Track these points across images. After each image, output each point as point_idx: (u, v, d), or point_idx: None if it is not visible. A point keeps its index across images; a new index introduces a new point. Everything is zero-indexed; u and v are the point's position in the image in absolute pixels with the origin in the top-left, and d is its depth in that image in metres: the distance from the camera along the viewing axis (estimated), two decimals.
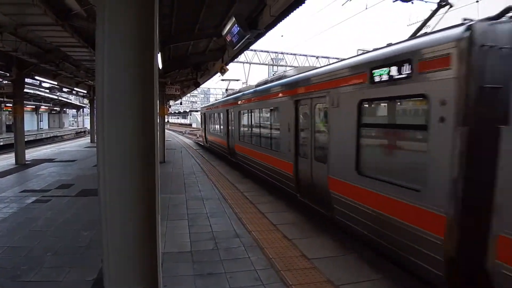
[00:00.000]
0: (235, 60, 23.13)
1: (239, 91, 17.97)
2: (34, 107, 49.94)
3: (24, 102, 20.14)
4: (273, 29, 10.97)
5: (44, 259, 5.65)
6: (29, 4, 8.12)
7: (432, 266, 4.63)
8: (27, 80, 20.71)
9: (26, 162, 16.86)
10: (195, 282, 4.92)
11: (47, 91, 36.50)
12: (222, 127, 20.35)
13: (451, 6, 6.32)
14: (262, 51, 34.63)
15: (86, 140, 35.44)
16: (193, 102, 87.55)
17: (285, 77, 11.02)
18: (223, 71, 16.68)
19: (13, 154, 17.38)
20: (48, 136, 46.69)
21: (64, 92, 35.17)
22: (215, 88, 71.49)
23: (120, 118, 2.63)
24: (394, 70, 5.43)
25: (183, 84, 29.21)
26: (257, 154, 12.95)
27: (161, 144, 17.75)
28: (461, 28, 4.48)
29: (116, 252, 2.70)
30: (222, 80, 32.88)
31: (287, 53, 35.86)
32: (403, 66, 5.25)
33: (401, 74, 5.29)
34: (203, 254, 5.94)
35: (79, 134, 59.17)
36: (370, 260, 5.63)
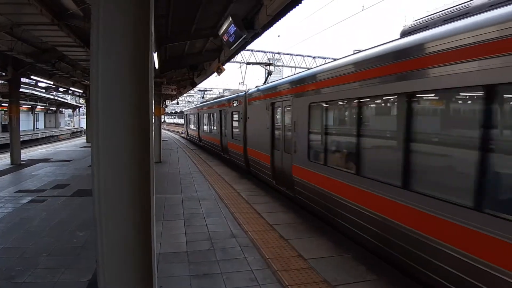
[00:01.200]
0: (232, 60, 23.37)
1: (206, 101, 31.12)
2: (30, 107, 49.75)
3: (20, 101, 20.07)
4: (270, 29, 10.96)
5: (39, 260, 5.63)
6: (25, 3, 8.08)
7: (220, 150, 20.54)
8: (23, 79, 20.58)
9: (22, 162, 16.80)
10: (191, 282, 4.90)
11: (43, 90, 36.33)
12: (195, 124, 31.34)
13: (271, 74, 18.51)
14: (259, 51, 34.65)
15: (82, 140, 35.33)
16: (190, 102, 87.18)
17: (221, 97, 22.59)
18: (219, 71, 16.62)
19: (8, 154, 17.32)
20: (44, 136, 46.59)
21: (60, 91, 35.00)
22: (211, 88, 71.44)
23: (114, 117, 2.61)
24: (236, 102, 16.22)
25: (180, 84, 29.17)
26: (210, 138, 23.88)
27: (157, 144, 17.72)
28: (244, 92, 15.65)
29: (110, 253, 2.68)
30: (200, 90, 42.74)
31: (284, 53, 35.79)
32: (236, 101, 16.15)
33: (236, 103, 16.14)
34: (199, 255, 5.93)
35: (75, 134, 59.05)
36: (366, 260, 5.63)
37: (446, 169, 4.82)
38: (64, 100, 57.77)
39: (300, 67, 36.11)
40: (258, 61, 34.80)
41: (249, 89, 15.46)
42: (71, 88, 28.04)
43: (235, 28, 10.02)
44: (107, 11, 2.57)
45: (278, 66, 39.26)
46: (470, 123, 4.45)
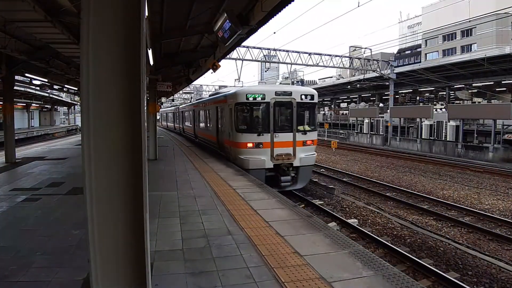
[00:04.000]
0: (227, 56, 23.33)
1: (168, 107, 63.56)
2: (24, 104, 49.52)
3: (15, 99, 19.91)
4: (265, 25, 10.91)
5: (34, 259, 5.59)
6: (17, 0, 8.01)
7: (173, 129, 47.86)
8: (18, 77, 20.42)
9: (17, 160, 16.70)
10: (187, 280, 4.88)
11: (38, 88, 36.15)
12: (166, 119, 57.38)
13: (192, 99, 58.82)
14: (254, 47, 34.41)
15: (77, 137, 35.19)
16: (186, 99, 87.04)
17: (173, 106, 54.80)
18: (215, 67, 16.53)
19: (3, 153, 17.20)
20: (39, 134, 46.32)
21: (55, 89, 34.85)
22: (207, 85, 71.39)
23: (106, 115, 2.57)
24: (175, 110, 44.40)
25: (175, 81, 29.07)
26: (171, 125, 49.54)
27: (152, 141, 17.66)
28: (178, 105, 48.18)
29: (103, 251, 2.65)
30: (173, 99, 66.59)
31: (279, 50, 35.59)
32: (176, 109, 44.81)
33: (175, 110, 44.21)
34: (195, 252, 5.90)
35: (70, 131, 58.79)
36: (362, 257, 5.62)
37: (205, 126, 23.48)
38: (59, 98, 57.49)
39: (296, 64, 36.02)
40: (253, 58, 34.67)
41: (180, 104, 47.62)
42: (65, 86, 27.88)
43: (230, 24, 9.96)
44: (97, 5, 2.53)
45: (274, 62, 39.13)
46: (197, 116, 26.42)
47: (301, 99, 15.06)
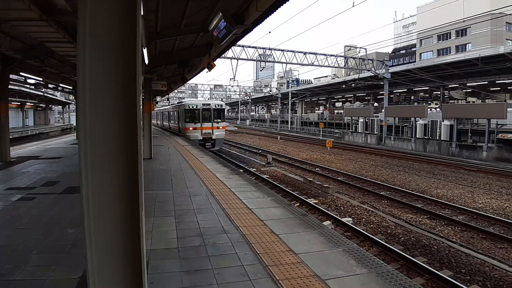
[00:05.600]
0: (223, 55, 23.39)
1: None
2: (19, 103, 49.26)
3: (9, 98, 19.79)
4: (260, 25, 10.94)
5: (29, 258, 5.59)
6: None
7: (156, 125, 50.63)
8: (12, 76, 20.31)
9: (11, 160, 16.63)
10: (182, 278, 4.91)
11: (32, 87, 36.00)
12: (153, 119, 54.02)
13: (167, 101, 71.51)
14: (250, 46, 34.39)
15: (72, 137, 35.07)
16: (181, 98, 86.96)
17: (165, 106, 60.27)
18: (210, 66, 16.56)
19: None
20: (34, 133, 46.09)
21: (49, 88, 34.70)
22: (202, 84, 71.47)
23: (102, 114, 2.60)
24: (159, 110, 55.53)
25: (170, 80, 29.12)
26: (155, 122, 53.71)
27: (148, 141, 17.63)
28: (158, 109, 58.52)
29: (99, 249, 2.68)
30: (168, 98, 67.97)
31: (275, 49, 35.61)
32: (161, 109, 57.04)
33: (159, 112, 54.53)
34: (190, 251, 5.93)
35: (65, 130, 58.51)
36: (356, 255, 5.67)
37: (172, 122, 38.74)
38: (54, 97, 57.28)
39: (291, 63, 36.08)
40: (249, 57, 34.67)
41: (161, 107, 56.47)
42: (60, 85, 27.78)
43: (225, 23, 9.99)
44: (94, 5, 2.55)
45: (269, 62, 39.18)
46: (168, 115, 42.80)
47: (215, 107, 29.17)
